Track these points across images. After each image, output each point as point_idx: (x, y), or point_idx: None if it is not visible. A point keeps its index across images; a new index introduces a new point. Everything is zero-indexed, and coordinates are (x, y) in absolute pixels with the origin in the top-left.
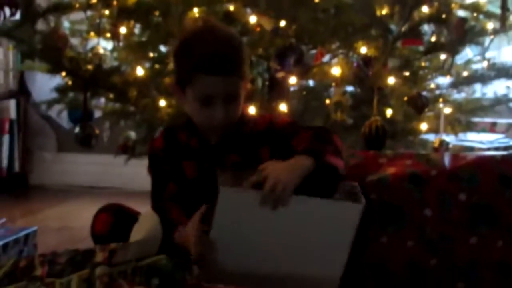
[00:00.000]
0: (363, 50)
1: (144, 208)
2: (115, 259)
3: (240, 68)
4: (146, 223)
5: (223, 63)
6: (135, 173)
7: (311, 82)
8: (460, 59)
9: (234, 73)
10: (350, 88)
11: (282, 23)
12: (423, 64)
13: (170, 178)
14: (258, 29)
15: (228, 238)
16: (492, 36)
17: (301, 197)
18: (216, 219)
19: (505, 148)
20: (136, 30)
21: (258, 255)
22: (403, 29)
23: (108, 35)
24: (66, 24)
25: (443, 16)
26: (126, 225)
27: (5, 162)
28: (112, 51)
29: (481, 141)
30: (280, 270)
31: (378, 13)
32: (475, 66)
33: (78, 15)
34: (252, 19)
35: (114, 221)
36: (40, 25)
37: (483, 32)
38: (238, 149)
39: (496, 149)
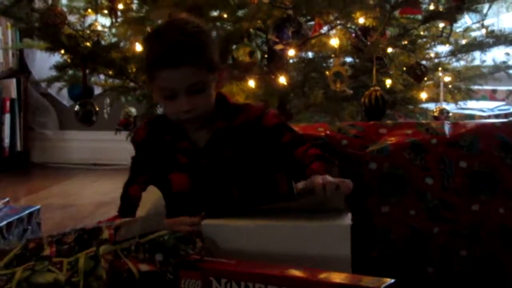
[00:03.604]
0: (361, 20)
1: None
2: (119, 236)
3: (200, 57)
4: (149, 199)
5: (176, 55)
6: None
7: (310, 54)
8: (458, 27)
9: (192, 63)
10: (349, 59)
11: None
12: (421, 32)
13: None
14: (255, 1)
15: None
16: (490, 3)
17: (285, 226)
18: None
19: (506, 115)
20: (134, 6)
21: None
22: None
23: (106, 11)
24: (63, 1)
25: None
26: None
27: (7, 141)
28: (110, 27)
29: (481, 108)
30: None
31: None
32: (474, 34)
33: None
34: None
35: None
36: (38, 3)
37: None
38: (230, 144)
39: (497, 116)
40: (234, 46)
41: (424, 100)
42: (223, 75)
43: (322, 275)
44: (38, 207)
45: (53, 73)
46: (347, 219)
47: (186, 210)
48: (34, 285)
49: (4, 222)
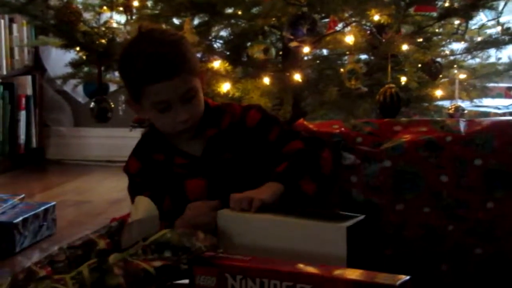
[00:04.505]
0: (376, 17)
1: None
2: (123, 243)
3: (185, 65)
4: (142, 205)
5: (164, 68)
6: None
7: (324, 51)
8: (474, 24)
9: (181, 72)
10: (363, 56)
11: None
12: (436, 30)
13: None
14: None
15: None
16: (506, 0)
17: (289, 221)
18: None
19: None
20: (149, 3)
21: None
22: None
23: (121, 8)
24: None
25: None
26: None
27: (22, 138)
28: (125, 24)
29: (497, 106)
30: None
31: None
32: (489, 31)
33: None
34: None
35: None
36: (53, 0)
37: None
38: (226, 147)
39: None
40: (248, 44)
41: (439, 97)
42: (204, 78)
43: (337, 272)
44: (53, 203)
45: (68, 70)
46: (349, 221)
47: None
48: None
49: (20, 218)
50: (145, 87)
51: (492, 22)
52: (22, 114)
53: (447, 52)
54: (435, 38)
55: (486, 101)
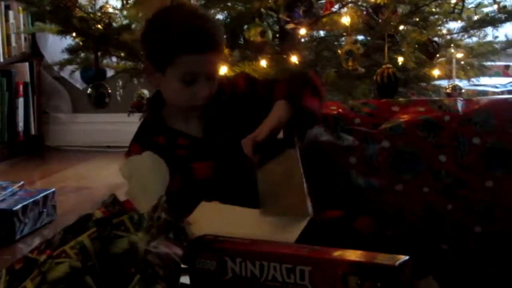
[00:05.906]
0: None
1: None
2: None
3: (221, 43)
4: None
5: (207, 40)
6: None
7: (321, 32)
8: (470, 2)
9: (217, 49)
10: (360, 37)
11: None
12: (433, 9)
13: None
14: None
15: None
16: None
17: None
18: None
19: None
20: None
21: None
22: None
23: None
24: None
25: None
26: None
27: (21, 125)
28: (121, 9)
29: (495, 84)
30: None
31: None
32: (486, 10)
33: None
34: None
35: None
36: None
37: None
38: (224, 125)
39: (510, 92)
40: (245, 26)
41: (436, 77)
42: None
43: (337, 253)
44: (53, 190)
45: (65, 56)
46: (296, 232)
47: (209, 197)
48: (54, 281)
49: (20, 206)
50: (181, 55)
51: (489, 1)
52: (20, 102)
53: (444, 31)
54: (431, 17)
55: (484, 80)
